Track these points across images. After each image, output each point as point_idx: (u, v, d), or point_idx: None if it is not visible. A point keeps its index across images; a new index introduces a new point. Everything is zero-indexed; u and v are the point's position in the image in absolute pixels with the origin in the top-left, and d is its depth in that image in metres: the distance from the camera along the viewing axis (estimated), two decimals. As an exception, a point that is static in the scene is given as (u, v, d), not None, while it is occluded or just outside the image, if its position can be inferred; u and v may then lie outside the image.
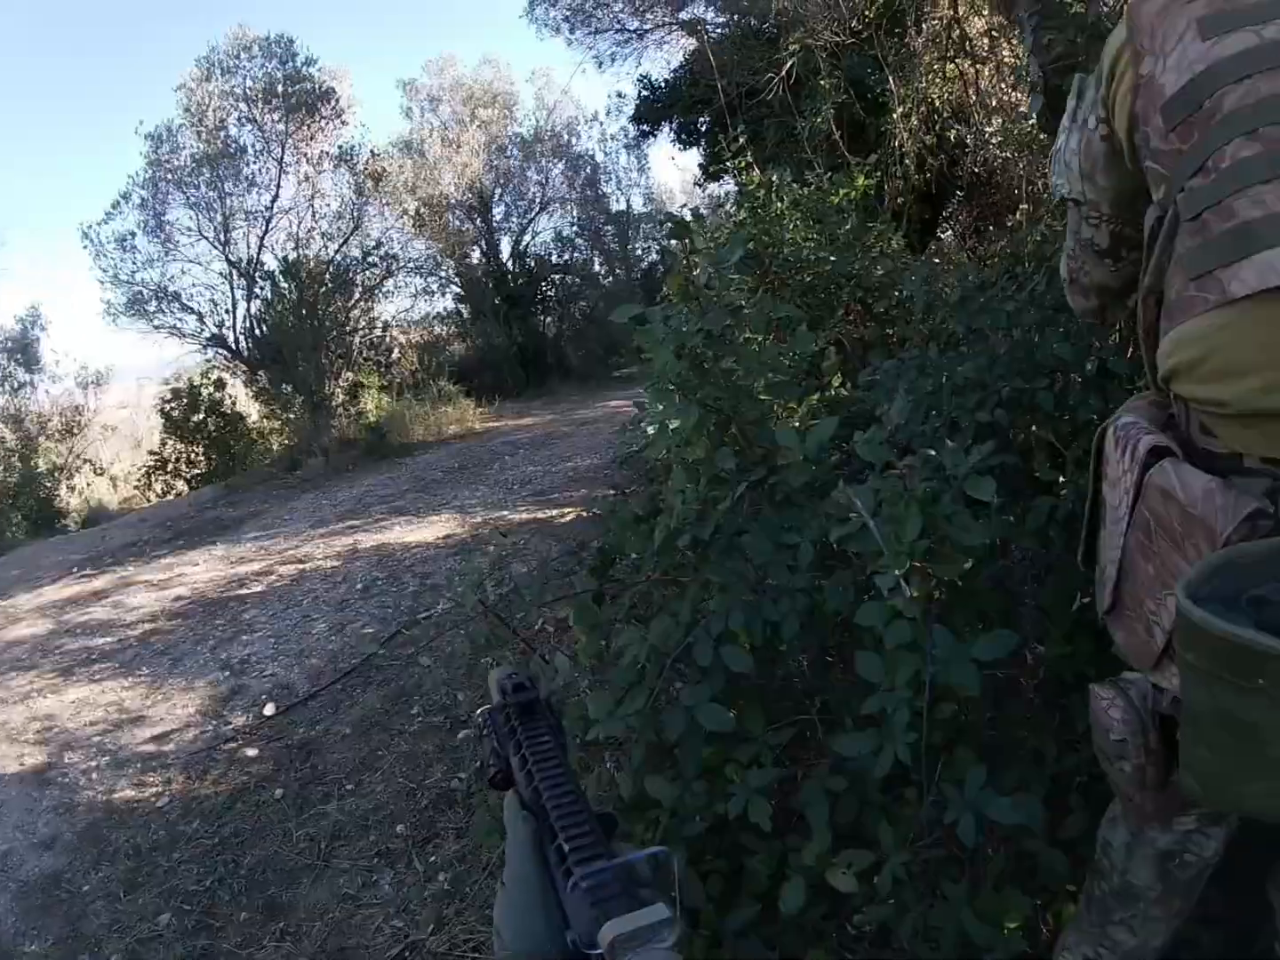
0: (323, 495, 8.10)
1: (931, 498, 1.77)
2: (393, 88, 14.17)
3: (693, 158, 12.54)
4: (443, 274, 13.08)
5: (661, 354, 2.42)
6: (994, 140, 7.52)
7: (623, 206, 16.71)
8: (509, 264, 14.72)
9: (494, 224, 14.33)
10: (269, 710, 3.67)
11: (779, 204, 4.83)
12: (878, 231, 5.01)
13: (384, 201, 10.75)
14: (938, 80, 7.66)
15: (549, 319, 15.22)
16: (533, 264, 15.18)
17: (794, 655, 2.11)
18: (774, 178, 4.89)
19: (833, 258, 4.61)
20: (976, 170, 8.17)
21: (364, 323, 11.15)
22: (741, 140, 5.19)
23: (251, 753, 3.34)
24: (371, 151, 11.16)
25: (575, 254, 16.01)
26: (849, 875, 1.35)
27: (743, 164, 5.02)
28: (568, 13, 10.36)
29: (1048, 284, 2.66)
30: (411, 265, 11.78)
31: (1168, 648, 1.01)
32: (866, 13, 7.12)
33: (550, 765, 0.69)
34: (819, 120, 7.83)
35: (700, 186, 13.21)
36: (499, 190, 14.01)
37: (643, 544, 2.27)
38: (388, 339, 11.58)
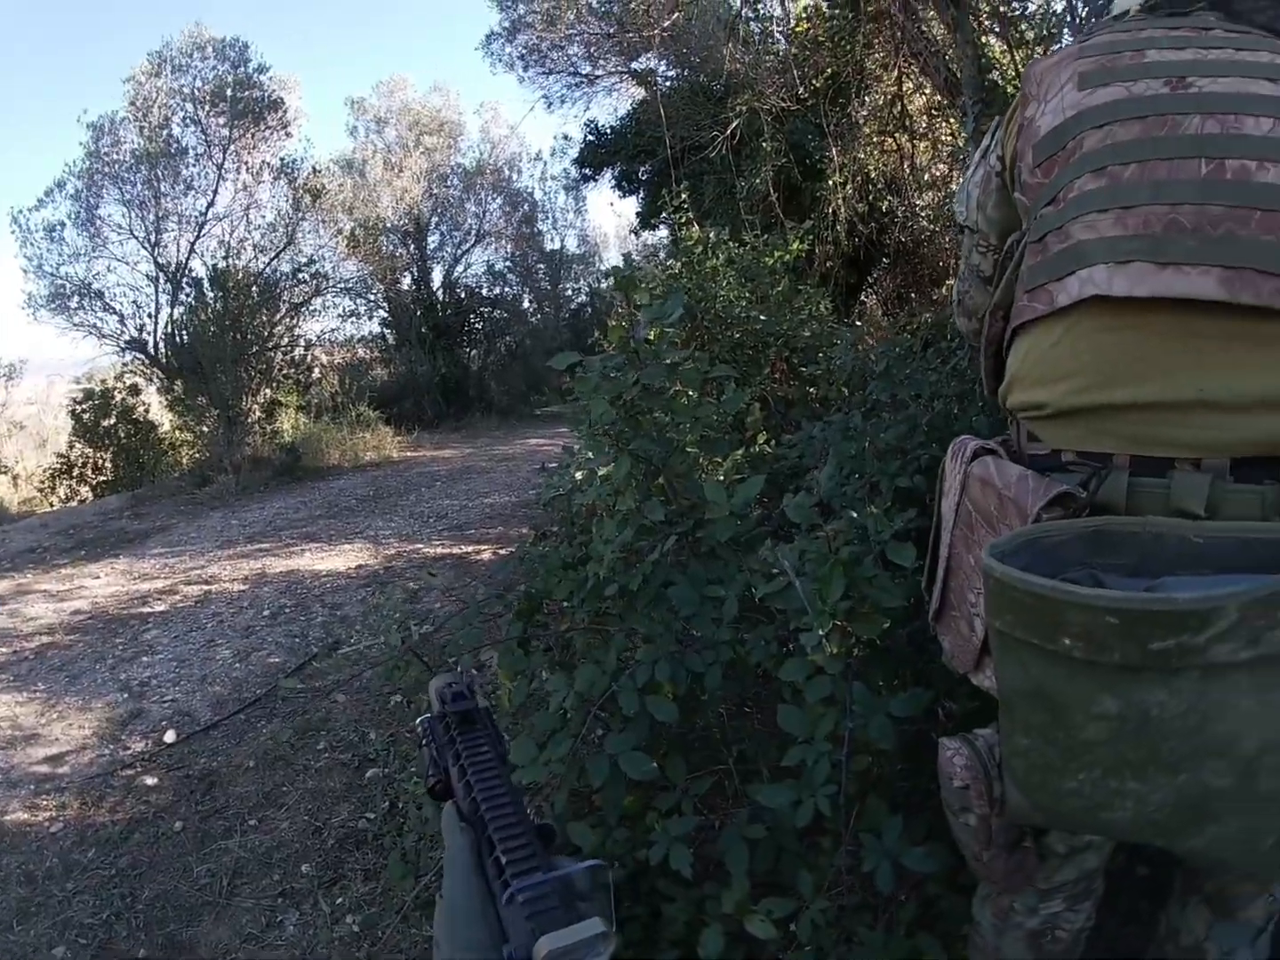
0: (232, 515, 7.84)
1: (854, 560, 1.86)
2: (339, 104, 14.13)
3: (631, 205, 12.81)
4: (371, 297, 12.92)
5: (597, 403, 2.48)
6: (924, 214, 7.95)
7: (557, 246, 16.90)
8: (439, 293, 14.63)
9: (428, 252, 14.25)
10: (169, 737, 3.52)
11: (714, 260, 5.00)
12: (807, 294, 5.21)
13: (320, 219, 10.59)
14: (875, 152, 8.05)
15: (474, 352, 15.14)
16: (463, 295, 15.14)
17: (714, 706, 2.16)
18: (711, 234, 5.06)
19: (763, 317, 4.78)
20: (904, 240, 8.57)
21: (287, 339, 10.89)
22: (683, 195, 5.35)
23: (150, 781, 3.19)
24: (314, 168, 11.00)
25: (506, 289, 16.06)
26: (767, 923, 1.39)
27: (682, 218, 5.17)
28: (524, 51, 10.53)
29: (969, 360, 2.84)
30: (341, 285, 11.60)
31: (986, 641, 1.04)
32: (814, 81, 7.46)
33: (489, 776, 0.68)
34: (758, 181, 8.12)
35: (635, 234, 13.47)
36: (436, 219, 13.98)
37: (569, 590, 2.30)
38: (309, 358, 11.33)
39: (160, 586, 5.64)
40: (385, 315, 13.19)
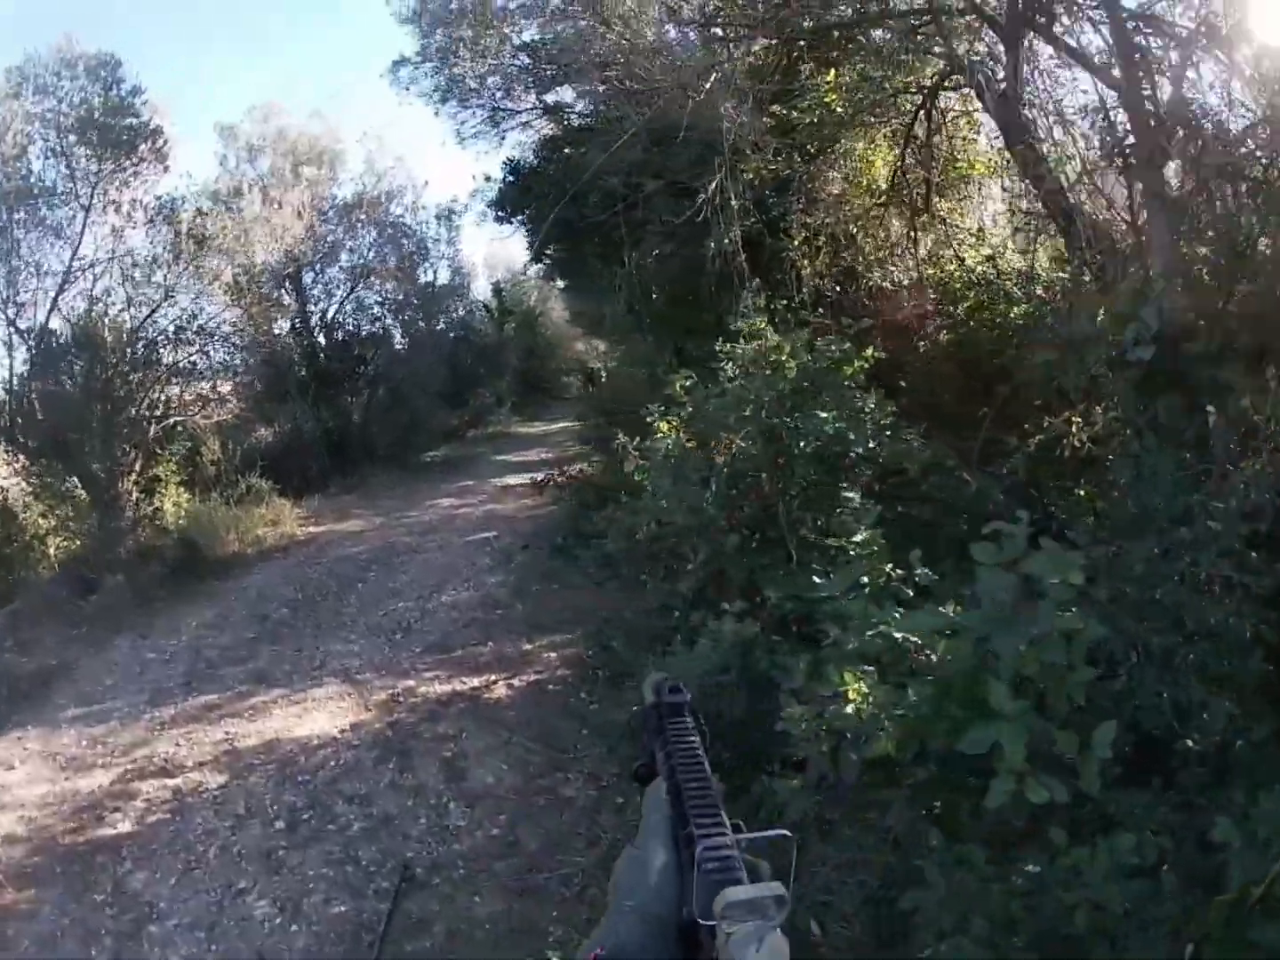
0: (143, 641, 6.46)
1: None
2: (208, 132, 12.48)
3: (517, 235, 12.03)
4: (248, 347, 11.39)
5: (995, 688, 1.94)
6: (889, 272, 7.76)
7: (430, 278, 15.82)
8: (319, 338, 13.23)
9: (305, 294, 12.82)
10: None
11: (789, 367, 4.44)
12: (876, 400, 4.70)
13: (198, 265, 9.11)
14: (844, 211, 7.84)
15: (356, 400, 13.85)
16: (343, 338, 13.80)
17: None
18: (784, 341, 4.49)
19: (852, 434, 4.30)
20: (867, 302, 8.33)
21: (162, 406, 9.35)
22: (756, 298, 4.78)
23: None
24: (199, 210, 9.47)
25: (381, 327, 14.82)
26: None
27: (759, 324, 4.58)
28: (443, 82, 9.64)
29: None
30: (220, 339, 10.08)
31: None
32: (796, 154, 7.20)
33: (691, 760, 0.80)
34: (726, 241, 7.70)
35: (536, 275, 12.65)
36: (314, 256, 12.56)
37: None
38: (187, 423, 9.78)
39: (106, 783, 4.39)
40: (263, 366, 11.70)
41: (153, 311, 8.76)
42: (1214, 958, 1.88)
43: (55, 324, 8.44)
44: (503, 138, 10.69)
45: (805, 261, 7.90)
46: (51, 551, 8.43)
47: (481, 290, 19.82)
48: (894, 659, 2.51)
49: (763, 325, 4.60)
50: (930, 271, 7.65)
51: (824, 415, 4.25)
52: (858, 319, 8.29)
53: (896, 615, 2.59)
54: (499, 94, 9.87)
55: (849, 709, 2.36)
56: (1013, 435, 4.39)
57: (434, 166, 47.99)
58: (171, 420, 9.54)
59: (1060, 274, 6.17)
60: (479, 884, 3.32)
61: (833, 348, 4.56)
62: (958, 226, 7.83)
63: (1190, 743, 2.44)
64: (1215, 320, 3.17)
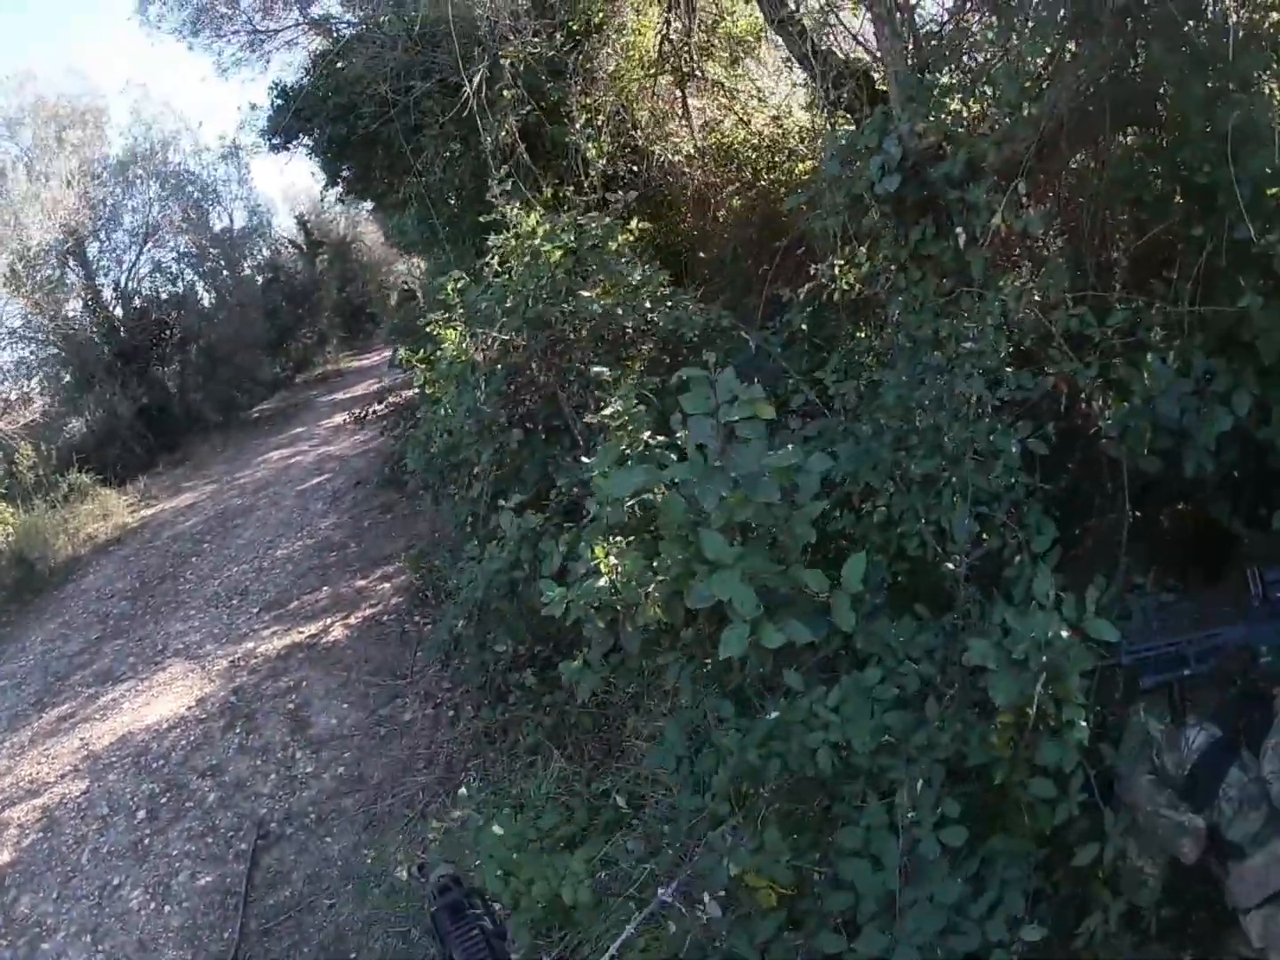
0: (-11, 668, 6.20)
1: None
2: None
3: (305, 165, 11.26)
4: (41, 338, 10.51)
5: (709, 539, 2.09)
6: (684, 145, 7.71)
7: (226, 224, 14.75)
8: (116, 311, 12.27)
9: (91, 267, 11.80)
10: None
11: (549, 252, 4.42)
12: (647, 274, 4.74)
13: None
14: (628, 91, 7.69)
15: (168, 369, 13.01)
16: (141, 306, 12.82)
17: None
18: (542, 222, 4.47)
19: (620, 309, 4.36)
20: (650, 176, 8.26)
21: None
22: (509, 177, 4.69)
23: None
24: None
25: (182, 286, 13.84)
26: None
27: (510, 206, 4.52)
28: (192, 13, 8.78)
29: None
30: (6, 334, 9.23)
31: None
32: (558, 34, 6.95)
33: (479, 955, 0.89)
34: (503, 133, 7.50)
35: (336, 200, 11.95)
36: (94, 225, 11.52)
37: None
38: (-6, 435, 9.09)
39: (-19, 818, 4.30)
40: (61, 353, 10.84)
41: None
42: (1005, 781, 1.97)
43: None
44: (267, 61, 9.83)
45: (589, 145, 7.76)
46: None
47: (286, 227, 18.63)
48: (641, 525, 2.63)
49: (515, 212, 4.53)
50: (713, 138, 7.63)
51: (586, 295, 4.30)
52: (637, 195, 8.30)
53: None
54: (257, 15, 9.08)
55: (602, 582, 2.48)
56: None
57: (206, 106, 43.76)
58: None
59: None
60: (330, 825, 3.49)
61: (593, 226, 4.58)
62: (736, 90, 7.79)
63: (950, 565, 2.41)
64: (960, 143, 3.24)
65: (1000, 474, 2.43)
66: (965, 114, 3.44)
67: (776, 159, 7.23)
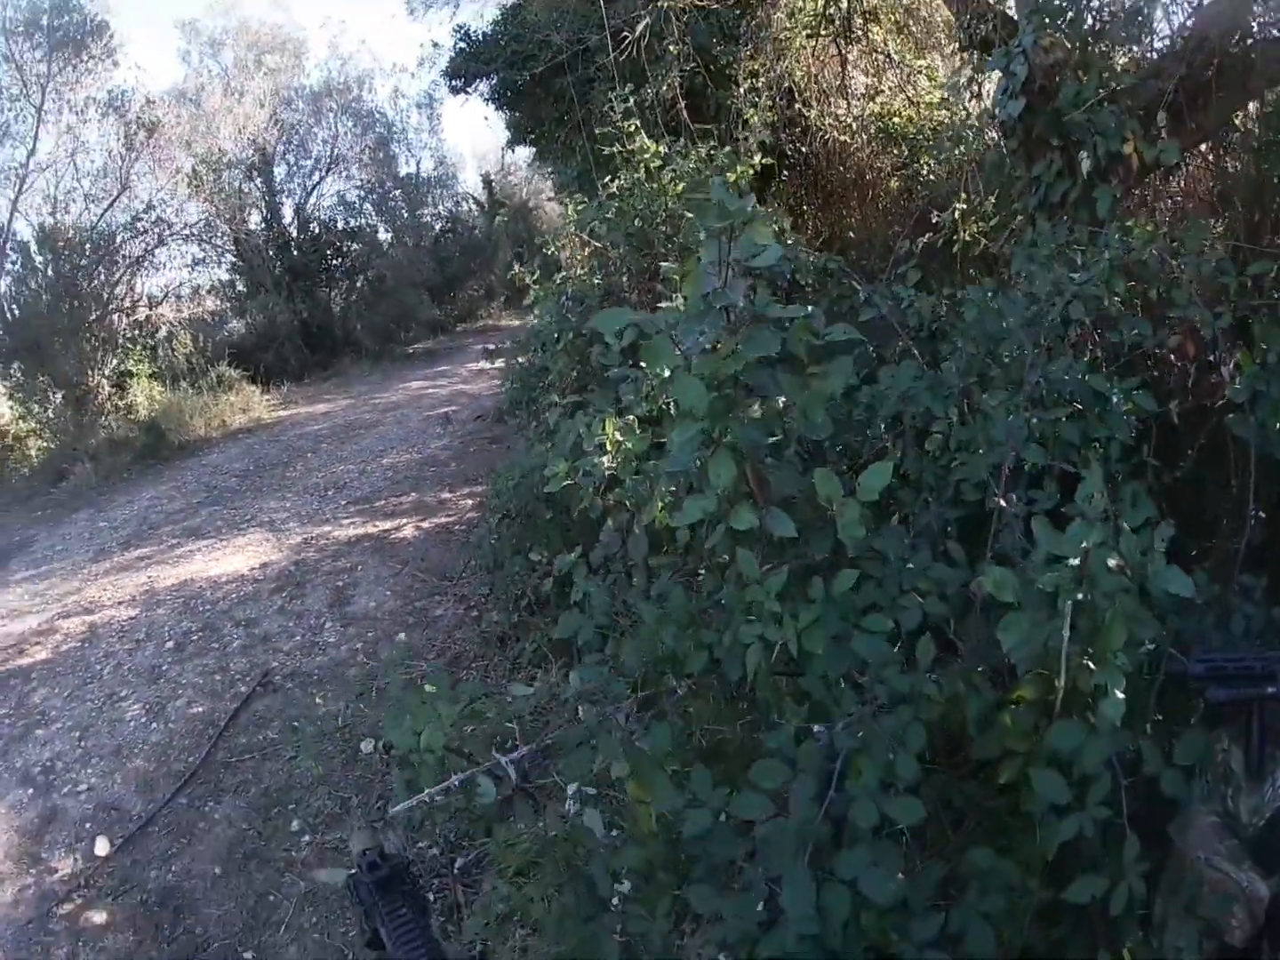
0: (99, 514, 6.67)
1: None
2: (170, 30, 12.22)
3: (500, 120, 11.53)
4: (218, 241, 11.31)
5: (687, 386, 1.85)
6: (843, 122, 7.44)
7: (413, 169, 15.45)
8: (292, 230, 13.06)
9: (276, 186, 12.62)
10: (102, 848, 2.73)
11: (665, 179, 4.31)
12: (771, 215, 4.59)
13: (156, 158, 8.98)
14: (798, 58, 7.47)
15: (335, 293, 13.72)
16: (318, 231, 13.59)
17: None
18: (663, 146, 4.37)
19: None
20: (811, 151, 8.01)
21: (129, 300, 9.37)
22: (628, 99, 4.62)
23: (98, 918, 2.42)
24: (146, 98, 9.29)
25: (361, 220, 14.58)
26: None
27: (631, 128, 4.45)
28: None
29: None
30: (185, 231, 10.00)
31: None
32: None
33: (407, 934, 0.92)
34: (664, 88, 7.40)
35: (511, 149, 12.25)
36: (282, 148, 12.34)
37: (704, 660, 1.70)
38: (156, 317, 9.82)
39: (35, 625, 4.62)
40: (235, 260, 11.62)
41: (110, 205, 8.73)
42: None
43: (17, 226, 8.49)
44: (457, 5, 10.21)
45: (751, 111, 7.58)
46: (32, 452, 8.67)
47: (471, 183, 19.35)
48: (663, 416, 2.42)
49: (638, 134, 4.44)
50: (872, 110, 7.30)
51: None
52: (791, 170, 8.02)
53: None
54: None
55: (605, 459, 2.32)
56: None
57: (391, 46, 45.75)
58: (139, 314, 9.60)
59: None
60: (326, 689, 3.50)
61: (718, 157, 4.43)
62: (907, 64, 7.43)
63: (1004, 503, 1.96)
64: (1093, 64, 2.93)
65: (1095, 427, 2.03)
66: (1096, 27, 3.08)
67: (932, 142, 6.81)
